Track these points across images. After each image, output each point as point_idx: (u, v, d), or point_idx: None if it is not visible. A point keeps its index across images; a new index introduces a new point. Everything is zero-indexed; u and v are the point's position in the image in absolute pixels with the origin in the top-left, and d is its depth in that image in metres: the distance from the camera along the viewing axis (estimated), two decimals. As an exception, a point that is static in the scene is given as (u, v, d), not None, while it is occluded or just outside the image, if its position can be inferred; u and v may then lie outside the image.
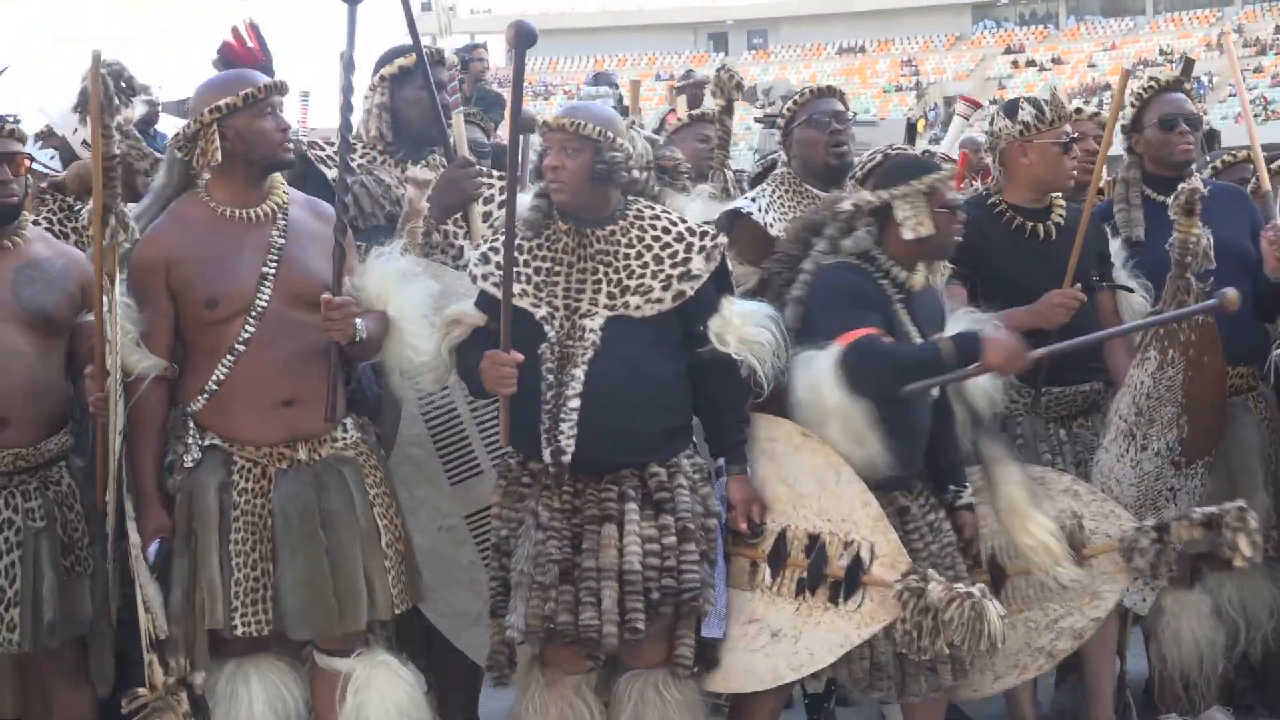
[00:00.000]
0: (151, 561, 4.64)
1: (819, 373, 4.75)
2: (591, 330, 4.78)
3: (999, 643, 4.62)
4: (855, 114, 6.39)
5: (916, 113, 53.92)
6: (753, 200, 5.70)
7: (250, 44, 5.01)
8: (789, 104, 5.98)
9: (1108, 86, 44.35)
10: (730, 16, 76.51)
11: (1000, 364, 4.76)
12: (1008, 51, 70.70)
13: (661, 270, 4.83)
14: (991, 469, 5.07)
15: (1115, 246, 5.82)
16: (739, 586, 4.95)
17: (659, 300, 4.81)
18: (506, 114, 5.46)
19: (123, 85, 4.75)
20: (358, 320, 4.72)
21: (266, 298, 4.73)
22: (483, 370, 4.72)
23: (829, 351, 4.73)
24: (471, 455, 5.28)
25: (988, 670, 5.11)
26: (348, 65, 4.83)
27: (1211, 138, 7.37)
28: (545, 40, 74.89)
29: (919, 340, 4.92)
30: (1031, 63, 68.27)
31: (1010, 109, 5.72)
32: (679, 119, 7.32)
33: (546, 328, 4.78)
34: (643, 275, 4.83)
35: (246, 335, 4.71)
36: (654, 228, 4.89)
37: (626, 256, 4.84)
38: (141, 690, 4.54)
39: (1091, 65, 65.71)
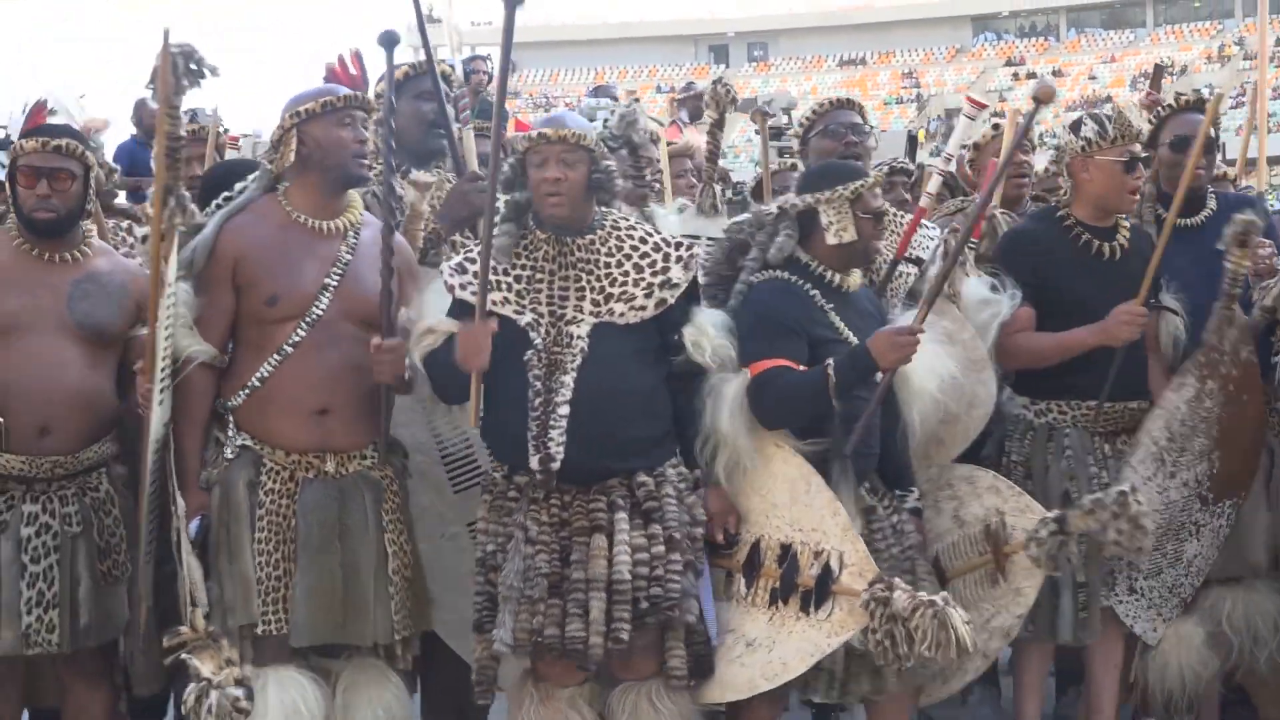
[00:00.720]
0: (194, 537, 4.75)
1: (719, 401, 4.85)
2: (579, 337, 4.79)
3: (969, 649, 4.64)
4: (873, 127, 6.40)
5: (917, 125, 53.99)
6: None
7: (354, 71, 5.08)
8: (809, 113, 6.00)
9: (1109, 98, 44.39)
10: (731, 29, 76.67)
11: (896, 358, 4.81)
12: (1008, 64, 70.79)
13: (643, 279, 4.86)
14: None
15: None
16: (715, 597, 5.00)
17: (642, 308, 4.84)
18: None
19: (192, 67, 4.73)
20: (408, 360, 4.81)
21: (324, 306, 4.84)
22: (458, 343, 4.71)
23: (734, 382, 4.84)
24: (475, 465, 5.31)
25: (935, 672, 5.12)
26: (388, 107, 4.98)
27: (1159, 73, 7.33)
28: (546, 52, 75.16)
29: (854, 341, 4.94)
30: (1032, 75, 68.26)
31: (1075, 125, 5.65)
32: (680, 131, 7.35)
33: (532, 334, 4.79)
34: (624, 283, 4.86)
35: (297, 339, 4.82)
36: (631, 237, 4.92)
37: (608, 265, 4.87)
38: (183, 628, 4.60)
39: (1092, 78, 65.78)
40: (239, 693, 4.43)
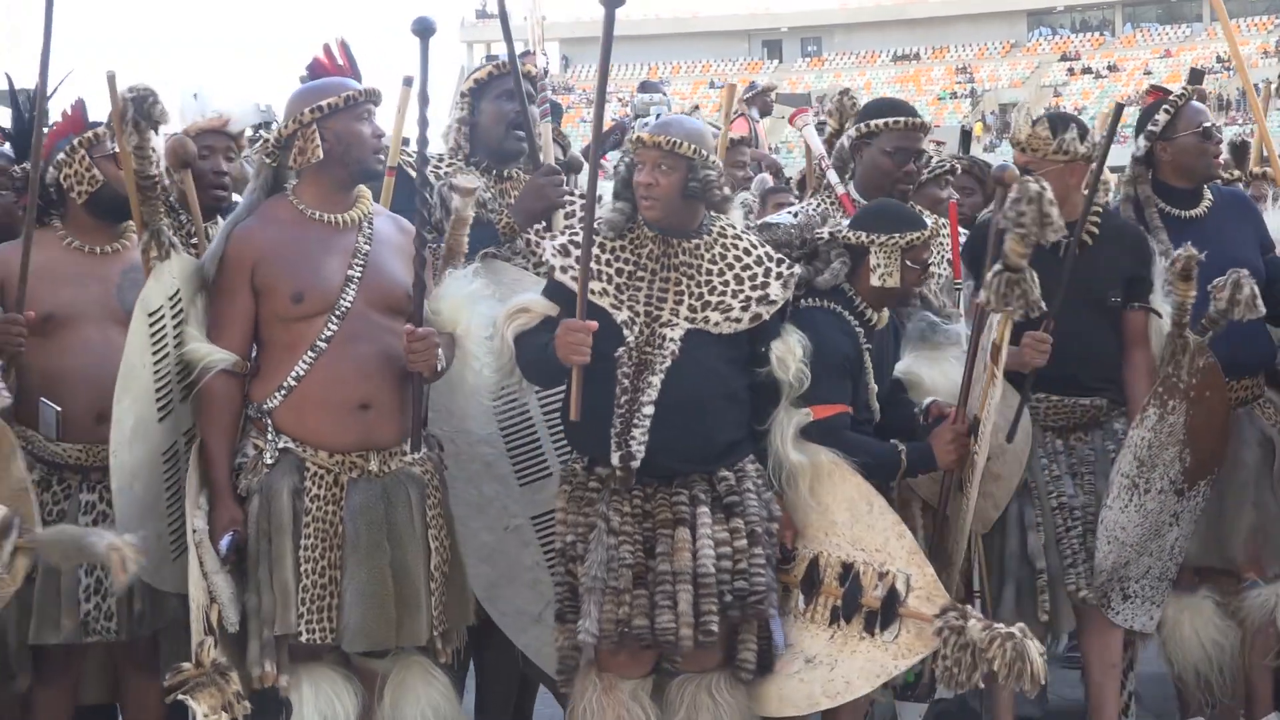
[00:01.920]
0: (224, 553, 4.70)
1: (784, 433, 4.95)
2: (671, 340, 4.83)
3: (1041, 680, 4.68)
4: (932, 156, 6.40)
5: (971, 120, 53.78)
6: (794, 215, 5.69)
7: (340, 61, 5.07)
8: (879, 119, 5.93)
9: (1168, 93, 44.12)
10: (784, 24, 76.31)
11: (952, 464, 5.15)
12: (1063, 59, 70.27)
13: (741, 290, 4.90)
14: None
15: (1161, 265, 5.61)
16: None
17: (737, 320, 4.89)
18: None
19: (144, 113, 4.71)
20: (440, 349, 4.81)
21: (351, 299, 4.82)
22: (557, 338, 4.74)
23: (796, 418, 4.95)
24: (542, 457, 5.36)
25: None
26: (422, 97, 4.95)
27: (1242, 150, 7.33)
28: (598, 48, 74.64)
29: (874, 385, 5.17)
30: (1088, 70, 67.89)
31: (1035, 123, 5.66)
32: (747, 129, 7.41)
33: (626, 332, 4.83)
34: (723, 293, 4.90)
35: (329, 333, 4.79)
36: (735, 247, 4.96)
37: (709, 272, 4.91)
38: (186, 665, 4.54)
39: (1148, 72, 65.03)
40: None
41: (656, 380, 4.79)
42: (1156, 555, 5.65)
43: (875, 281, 5.11)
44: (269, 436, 4.80)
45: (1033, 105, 6.30)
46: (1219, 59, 62.60)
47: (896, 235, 5.11)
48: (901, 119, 5.91)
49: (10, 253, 4.96)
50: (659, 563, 4.77)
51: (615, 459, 4.77)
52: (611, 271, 4.88)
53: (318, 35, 5.52)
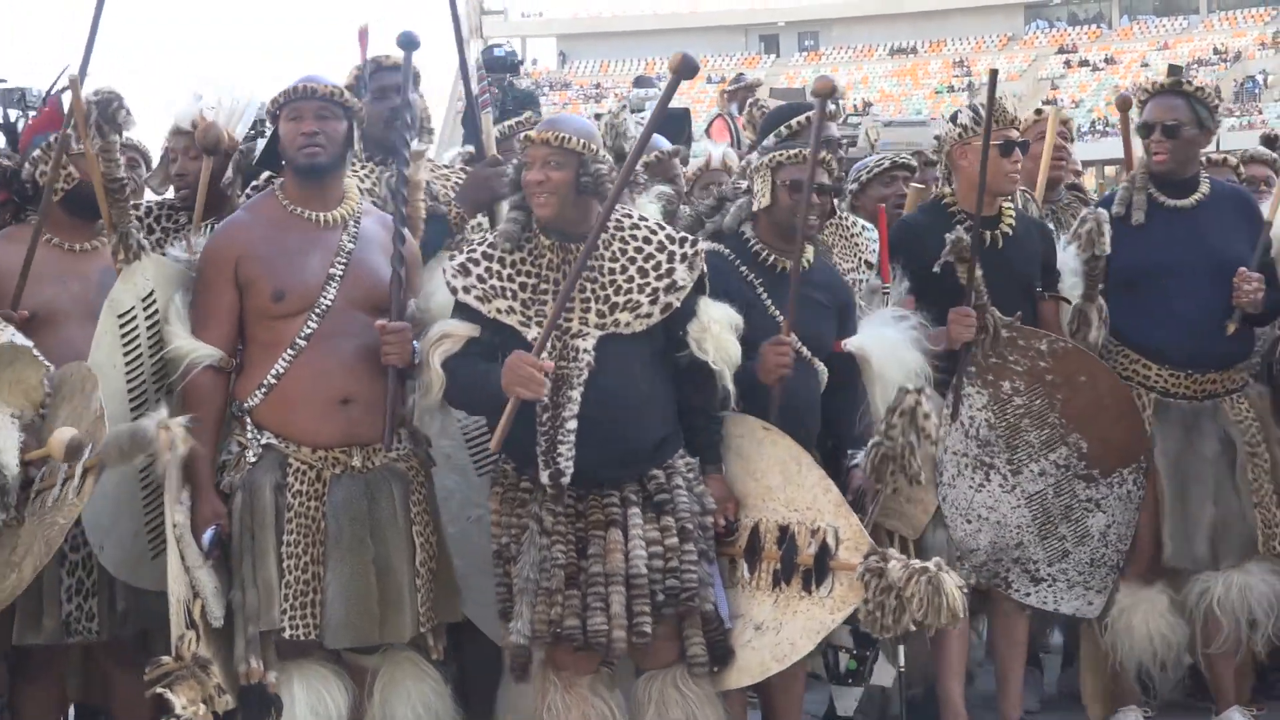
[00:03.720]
0: (207, 548, 4.73)
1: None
2: (585, 350, 4.79)
3: (959, 615, 4.75)
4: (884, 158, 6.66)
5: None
6: None
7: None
8: (871, 164, 6.21)
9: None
10: (781, 18, 76.07)
11: (772, 378, 5.03)
12: (1060, 51, 70.08)
13: (648, 284, 4.85)
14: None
15: (1069, 254, 5.82)
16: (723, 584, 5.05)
17: (648, 315, 4.85)
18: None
19: (107, 117, 4.81)
20: (415, 343, 4.84)
21: (332, 297, 4.86)
22: (506, 369, 4.65)
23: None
24: None
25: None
26: (404, 104, 5.12)
27: (1272, 142, 7.36)
28: (595, 43, 74.80)
29: (778, 317, 5.13)
30: (1085, 62, 67.78)
31: (954, 115, 5.87)
32: (728, 127, 7.34)
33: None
34: (629, 290, 4.84)
35: (309, 331, 4.83)
36: (635, 238, 4.90)
37: (612, 272, 4.85)
38: (166, 659, 4.57)
39: (1145, 65, 64.92)
40: None
41: (576, 394, 4.76)
42: (1079, 542, 5.80)
43: (755, 207, 5.21)
44: (251, 433, 4.84)
45: (1030, 98, 6.36)
46: (1215, 50, 62.62)
47: (765, 157, 5.18)
48: (887, 159, 6.16)
49: (234, 228, 5.01)
50: (591, 564, 4.78)
51: (544, 477, 4.77)
52: (515, 287, 4.84)
53: (343, 38, 5.57)
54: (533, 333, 4.76)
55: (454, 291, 4.86)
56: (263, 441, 4.83)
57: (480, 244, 4.92)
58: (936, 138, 5.98)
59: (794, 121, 5.58)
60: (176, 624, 4.58)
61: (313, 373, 4.82)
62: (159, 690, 4.49)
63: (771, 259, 5.26)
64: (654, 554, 4.80)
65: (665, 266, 4.86)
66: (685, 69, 4.67)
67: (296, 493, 4.79)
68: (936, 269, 5.54)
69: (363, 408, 4.86)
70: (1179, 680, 6.05)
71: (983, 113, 5.62)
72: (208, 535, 4.73)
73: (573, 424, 4.74)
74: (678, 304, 4.85)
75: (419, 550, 4.89)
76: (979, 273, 5.58)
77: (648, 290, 4.84)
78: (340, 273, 4.88)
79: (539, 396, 4.65)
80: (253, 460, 4.81)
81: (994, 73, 5.71)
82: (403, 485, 4.92)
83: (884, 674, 5.54)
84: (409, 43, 5.14)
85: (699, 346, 4.87)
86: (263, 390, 4.83)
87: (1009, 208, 5.82)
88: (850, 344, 5.30)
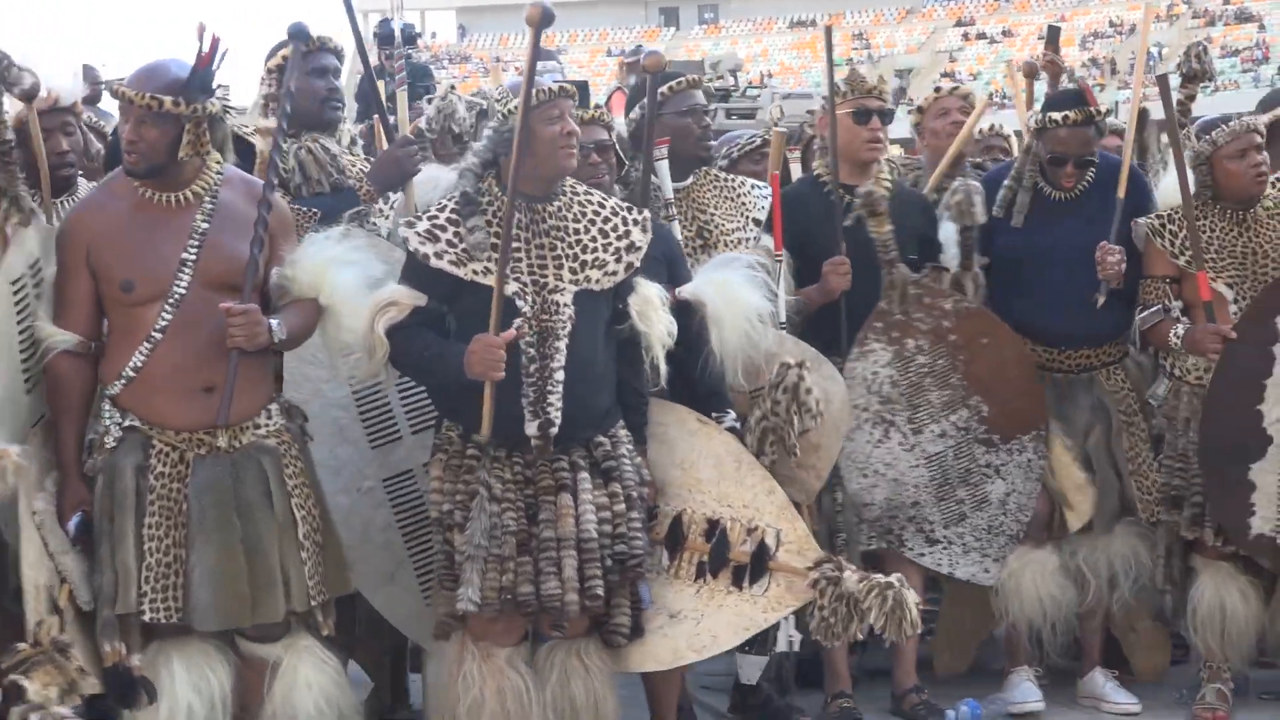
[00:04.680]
0: (73, 534, 4.70)
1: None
2: (565, 305, 4.89)
3: (918, 627, 4.90)
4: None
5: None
6: None
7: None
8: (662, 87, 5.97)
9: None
10: (681, -9, 76.22)
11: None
12: (958, 24, 70.60)
13: (610, 243, 5.00)
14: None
15: (949, 230, 5.97)
16: None
17: (614, 273, 4.99)
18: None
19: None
20: (272, 322, 4.76)
21: (185, 284, 4.73)
22: (470, 354, 4.71)
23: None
24: (392, 420, 5.42)
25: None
26: (285, 95, 5.04)
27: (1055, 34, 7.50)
28: (496, 16, 74.46)
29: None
30: (982, 35, 68.29)
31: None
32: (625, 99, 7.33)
33: (520, 303, 4.85)
34: (595, 249, 4.98)
35: (164, 322, 4.72)
36: (590, 203, 5.05)
37: (577, 231, 4.98)
38: (21, 645, 4.53)
39: (1041, 37, 65.77)
40: (66, 712, 4.44)
41: (562, 345, 4.87)
42: (977, 506, 5.99)
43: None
44: (110, 416, 4.78)
45: (928, 70, 6.47)
46: (1110, 23, 63.30)
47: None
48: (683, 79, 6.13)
49: (86, 211, 4.87)
50: (543, 529, 4.85)
51: (532, 429, 4.84)
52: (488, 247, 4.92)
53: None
54: (513, 287, 4.83)
55: (424, 259, 4.86)
56: (124, 424, 4.77)
57: (441, 210, 4.93)
58: (809, 111, 6.17)
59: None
60: (34, 611, 4.57)
61: (173, 363, 4.73)
62: (14, 678, 4.45)
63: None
64: (603, 519, 4.89)
65: (622, 229, 5.03)
66: (543, 20, 4.74)
67: (159, 474, 4.73)
68: (849, 223, 5.82)
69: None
70: (1067, 644, 6.16)
71: (840, 83, 5.96)
72: (73, 521, 4.72)
73: (561, 374, 4.84)
74: (637, 263, 5.02)
75: (300, 524, 4.82)
76: (888, 227, 5.83)
77: (611, 250, 4.99)
78: (193, 257, 4.75)
79: (501, 375, 4.71)
80: (112, 444, 4.75)
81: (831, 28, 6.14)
82: (274, 460, 4.85)
83: (786, 641, 5.61)
84: (299, 33, 5.15)
85: (641, 318, 4.98)
86: (123, 380, 4.75)
87: (885, 179, 6.02)
88: (685, 291, 5.28)
